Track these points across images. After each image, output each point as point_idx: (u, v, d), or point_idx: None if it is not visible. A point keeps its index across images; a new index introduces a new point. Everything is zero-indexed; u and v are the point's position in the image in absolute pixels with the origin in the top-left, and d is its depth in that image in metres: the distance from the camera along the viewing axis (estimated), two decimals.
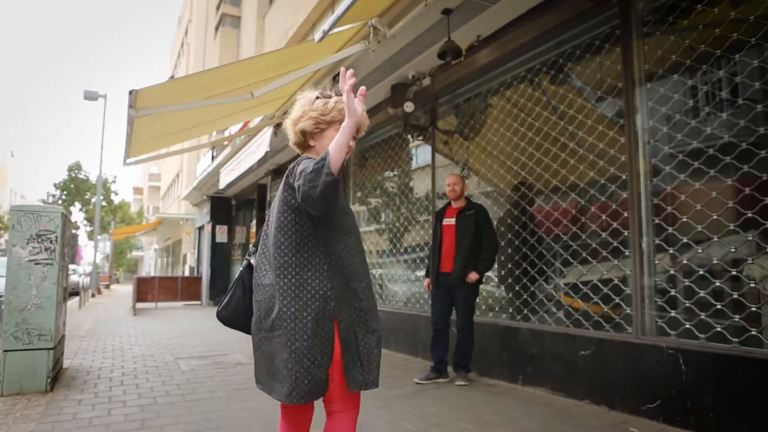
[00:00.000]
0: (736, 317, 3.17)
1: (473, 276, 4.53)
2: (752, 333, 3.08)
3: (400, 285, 6.89)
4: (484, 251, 4.59)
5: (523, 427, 3.36)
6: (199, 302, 15.53)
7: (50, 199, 31.53)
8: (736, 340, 3.14)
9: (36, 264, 4.39)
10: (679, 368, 3.29)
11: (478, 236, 4.61)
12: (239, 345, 7.02)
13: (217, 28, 17.64)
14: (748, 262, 3.19)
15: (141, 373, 5.16)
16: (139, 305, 13.54)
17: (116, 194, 34.89)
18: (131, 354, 6.31)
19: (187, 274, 22.57)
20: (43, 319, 4.37)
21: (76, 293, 17.15)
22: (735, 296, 3.21)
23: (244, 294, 1.91)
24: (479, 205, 4.80)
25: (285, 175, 1.76)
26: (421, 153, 6.89)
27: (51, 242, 4.47)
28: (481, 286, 4.78)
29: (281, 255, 1.74)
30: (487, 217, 4.70)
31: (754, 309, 3.11)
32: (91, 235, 31.20)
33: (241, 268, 1.96)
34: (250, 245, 2.28)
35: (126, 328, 9.25)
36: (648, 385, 3.48)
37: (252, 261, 1.92)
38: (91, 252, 27.99)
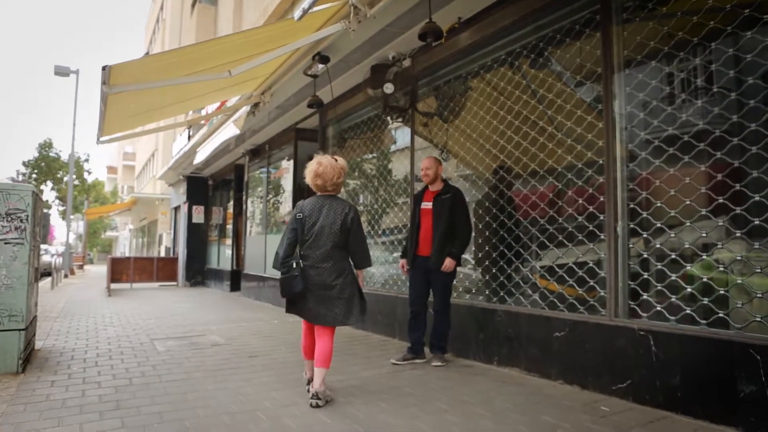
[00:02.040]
0: (705, 300, 3.26)
1: (449, 264, 4.55)
2: (720, 315, 3.17)
3: (378, 267, 6.91)
4: (457, 235, 4.61)
5: (497, 407, 3.43)
6: (175, 283, 15.38)
7: (20, 178, 30.68)
8: (704, 322, 3.24)
9: (6, 243, 4.29)
10: (650, 349, 3.38)
11: (453, 220, 4.63)
12: (216, 326, 6.99)
13: (193, 5, 17.19)
14: (718, 246, 3.28)
15: (116, 354, 5.11)
16: (114, 286, 13.36)
17: (89, 173, 34.21)
18: (106, 335, 6.24)
19: (162, 254, 22.29)
20: (14, 299, 4.28)
21: (49, 274, 16.86)
22: (704, 280, 3.30)
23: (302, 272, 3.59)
24: (455, 188, 4.80)
25: (344, 210, 4.01)
26: (400, 135, 6.86)
27: (21, 221, 4.37)
28: (459, 269, 4.82)
29: (340, 248, 3.69)
30: (462, 200, 4.71)
31: (722, 292, 3.20)
32: (63, 215, 30.55)
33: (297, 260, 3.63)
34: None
35: (100, 308, 9.13)
36: (619, 365, 3.57)
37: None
38: (64, 231, 27.46)
